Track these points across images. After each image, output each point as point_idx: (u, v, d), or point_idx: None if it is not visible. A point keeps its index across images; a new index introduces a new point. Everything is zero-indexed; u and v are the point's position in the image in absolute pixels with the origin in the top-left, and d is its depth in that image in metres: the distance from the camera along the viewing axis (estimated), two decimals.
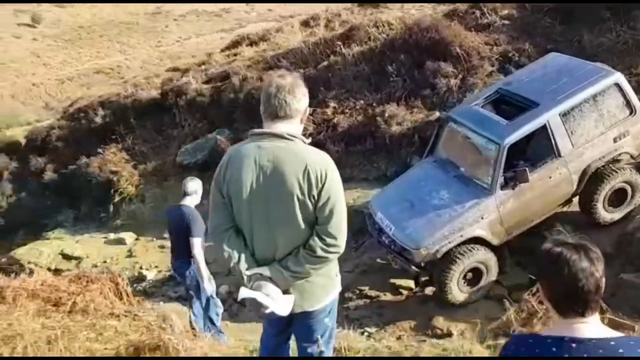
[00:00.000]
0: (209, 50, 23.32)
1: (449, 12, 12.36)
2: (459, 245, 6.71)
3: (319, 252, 2.81)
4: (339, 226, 2.83)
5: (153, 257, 11.34)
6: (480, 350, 5.67)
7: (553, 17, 11.35)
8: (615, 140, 7.01)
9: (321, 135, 11.49)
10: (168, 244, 11.98)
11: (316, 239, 2.81)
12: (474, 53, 10.96)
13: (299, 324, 3.13)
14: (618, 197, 7.17)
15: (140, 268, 10.90)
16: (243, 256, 2.85)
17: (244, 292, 2.77)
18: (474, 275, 6.84)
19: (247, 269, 2.83)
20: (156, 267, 10.91)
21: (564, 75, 7.18)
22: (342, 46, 12.41)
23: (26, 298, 4.36)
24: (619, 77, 7.07)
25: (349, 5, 17.84)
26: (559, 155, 6.85)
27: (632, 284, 6.08)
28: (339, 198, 2.84)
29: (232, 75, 13.91)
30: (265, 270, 2.82)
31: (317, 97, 12.12)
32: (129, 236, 12.02)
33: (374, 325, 6.88)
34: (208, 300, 5.63)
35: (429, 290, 7.25)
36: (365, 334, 6.70)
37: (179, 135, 14.15)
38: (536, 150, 7.24)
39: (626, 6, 10.55)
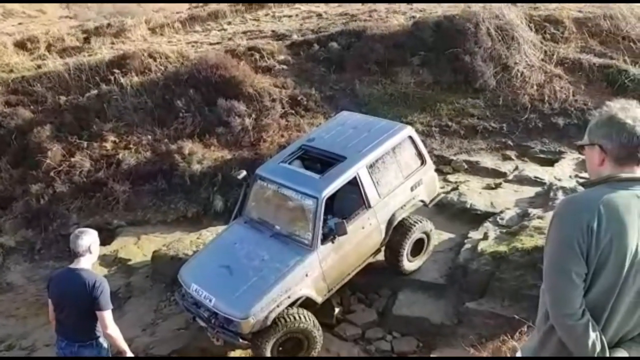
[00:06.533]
0: None
1: (229, 51, 12.26)
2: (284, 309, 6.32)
3: None
4: None
5: None
6: None
7: (327, 66, 12.24)
8: (412, 189, 7.51)
9: (101, 173, 10.10)
10: None
11: None
12: (266, 94, 11.10)
13: None
14: (416, 247, 7.58)
15: None
16: (605, 343, 2.29)
17: None
18: (295, 345, 6.48)
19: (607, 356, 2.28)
20: None
21: (363, 131, 7.52)
22: (118, 75, 11.19)
23: None
24: (410, 130, 7.69)
25: (72, 31, 16.10)
26: (369, 206, 7.01)
27: (475, 312, 6.74)
28: None
29: None
30: (623, 353, 2.33)
31: (90, 129, 10.68)
32: None
33: None
34: None
35: None
36: None
37: None
38: (342, 203, 7.43)
39: (389, 63, 12.01)
